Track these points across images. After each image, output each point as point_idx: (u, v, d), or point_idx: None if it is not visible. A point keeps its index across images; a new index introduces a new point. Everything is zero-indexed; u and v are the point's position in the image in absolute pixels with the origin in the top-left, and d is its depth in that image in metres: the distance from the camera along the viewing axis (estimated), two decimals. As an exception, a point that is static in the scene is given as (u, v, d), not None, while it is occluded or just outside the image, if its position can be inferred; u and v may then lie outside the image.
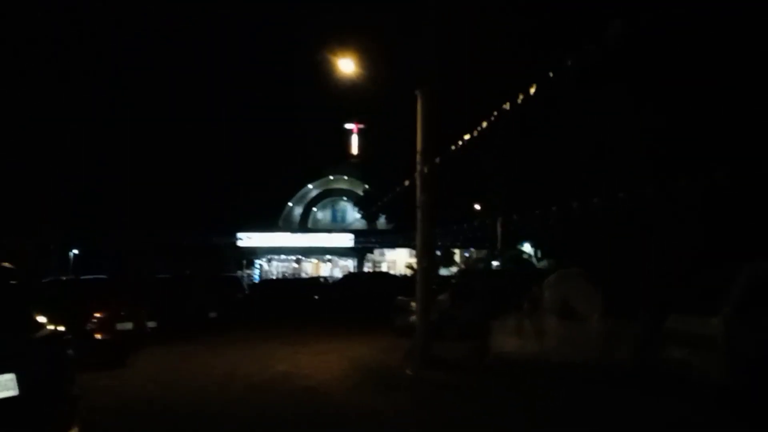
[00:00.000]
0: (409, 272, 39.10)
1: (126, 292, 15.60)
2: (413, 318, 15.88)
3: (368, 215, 48.17)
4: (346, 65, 12.82)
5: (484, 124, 10.95)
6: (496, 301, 15.26)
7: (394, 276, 34.83)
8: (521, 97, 9.47)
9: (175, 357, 13.89)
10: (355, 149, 57.20)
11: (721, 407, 8.38)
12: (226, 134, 48.46)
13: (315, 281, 35.75)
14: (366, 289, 27.09)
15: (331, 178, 57.02)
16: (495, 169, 17.20)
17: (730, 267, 9.70)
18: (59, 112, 38.96)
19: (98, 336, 12.00)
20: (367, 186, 47.79)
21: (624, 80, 14.94)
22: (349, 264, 54.20)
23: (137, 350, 13.26)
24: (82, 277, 17.69)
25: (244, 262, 51.33)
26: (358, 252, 52.61)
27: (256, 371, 11.94)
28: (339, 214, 58.42)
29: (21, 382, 4.65)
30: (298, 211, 57.53)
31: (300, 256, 54.18)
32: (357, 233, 51.44)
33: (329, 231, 53.82)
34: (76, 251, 44.13)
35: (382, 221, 49.20)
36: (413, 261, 45.52)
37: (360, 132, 57.22)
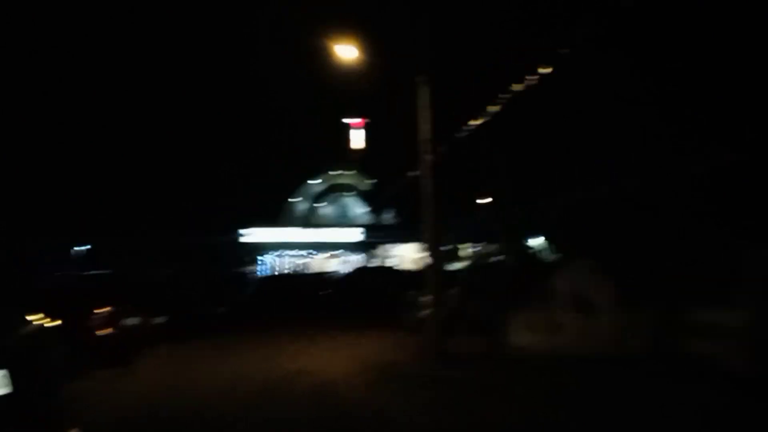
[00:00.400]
0: (416, 267, 38.89)
1: (131, 288, 15.38)
2: (423, 313, 15.68)
3: (373, 210, 47.99)
4: (347, 52, 12.50)
5: (490, 110, 10.70)
6: (507, 295, 15.04)
7: (402, 271, 34.49)
8: (526, 80, 9.19)
9: (182, 354, 13.67)
10: (359, 144, 57.04)
11: (747, 396, 8.12)
12: (230, 129, 48.19)
13: (322, 276, 35.46)
14: (374, 284, 26.78)
15: (335, 173, 56.73)
16: (499, 157, 16.91)
17: (750, 254, 9.44)
18: (63, 108, 38.92)
19: (101, 333, 11.73)
20: (372, 181, 47.54)
21: (635, 57, 14.58)
22: (355, 259, 53.91)
23: (143, 347, 13.05)
24: (86, 273, 17.47)
25: (250, 258, 51.08)
26: (365, 247, 52.31)
27: (264, 370, 11.68)
28: (343, 209, 58.10)
29: (15, 379, 4.41)
30: (303, 207, 57.24)
31: (306, 252, 53.90)
32: (362, 228, 51.13)
33: (334, 226, 53.52)
34: (82, 248, 43.91)
35: (387, 216, 48.97)
36: (420, 256, 45.55)
37: (364, 127, 57.09)
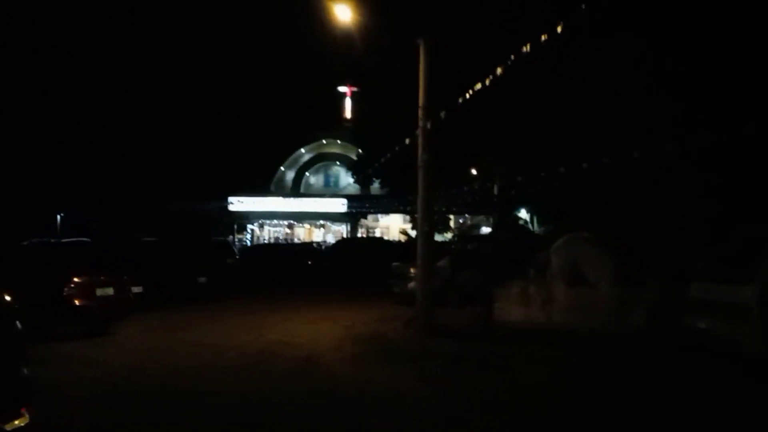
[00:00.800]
0: (403, 238, 38.40)
1: (108, 256, 14.76)
2: (412, 285, 15.20)
3: (362, 180, 47.30)
4: (343, 12, 11.76)
5: (489, 78, 10.10)
6: (498, 267, 14.62)
7: (389, 241, 34.06)
8: (528, 46, 8.61)
9: (161, 325, 13.12)
10: (348, 113, 56.20)
11: (757, 379, 7.73)
12: (217, 97, 47.11)
13: (308, 246, 34.97)
14: (360, 255, 26.34)
15: (324, 142, 55.93)
16: (497, 126, 16.30)
17: (754, 230, 9.00)
18: (46, 78, 37.93)
19: (77, 302, 11.14)
20: (360, 150, 46.80)
21: (639, 27, 13.99)
22: (342, 229, 53.46)
23: (121, 317, 12.47)
24: (63, 240, 16.77)
25: (236, 227, 50.45)
26: (352, 217, 51.77)
27: (245, 341, 11.17)
28: (332, 179, 57.44)
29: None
30: (291, 175, 56.49)
31: (292, 221, 53.34)
32: (350, 198, 50.58)
33: (322, 196, 52.89)
34: (62, 215, 43.15)
35: (375, 186, 48.37)
36: (407, 227, 45.14)
37: (353, 95, 56.19)
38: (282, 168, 55.96)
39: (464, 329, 12.10)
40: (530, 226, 39.18)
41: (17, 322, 4.70)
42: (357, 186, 51.00)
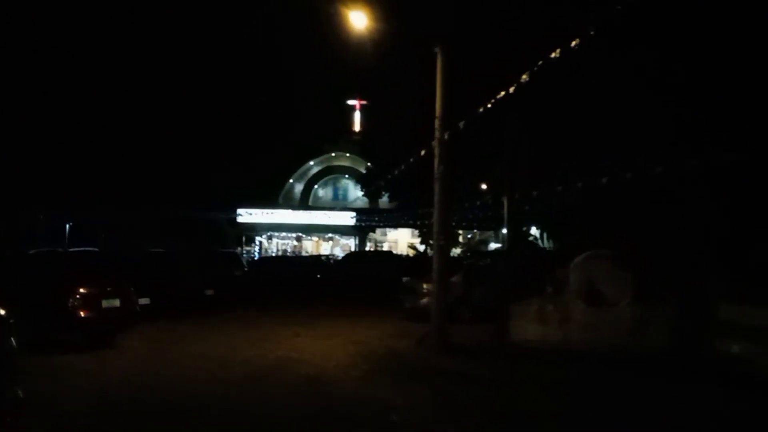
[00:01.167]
0: (411, 252, 38.08)
1: (115, 267, 14.48)
2: (424, 300, 14.89)
3: (370, 193, 47.10)
4: (358, 20, 11.47)
5: (504, 91, 9.82)
6: (513, 283, 14.28)
7: (398, 255, 33.74)
8: (542, 60, 8.34)
9: (167, 337, 12.80)
10: (357, 126, 56.06)
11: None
12: (227, 108, 47.06)
13: (316, 259, 34.66)
14: (369, 269, 26.04)
15: (333, 155, 55.80)
16: (510, 139, 15.88)
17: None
18: (49, 85, 37.92)
19: (81, 314, 10.84)
20: (369, 164, 46.62)
21: (655, 43, 13.70)
22: (351, 243, 53.17)
23: (126, 330, 12.18)
24: (70, 249, 16.52)
25: (244, 238, 50.20)
26: (360, 231, 51.50)
27: (252, 356, 10.81)
28: (340, 192, 57.21)
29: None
30: (299, 188, 56.33)
31: (300, 234, 53.09)
32: (359, 211, 50.33)
33: (331, 209, 52.65)
34: (71, 224, 42.97)
35: (384, 200, 48.11)
36: (415, 241, 44.83)
37: (362, 108, 56.09)
38: (291, 180, 55.82)
39: (479, 347, 11.75)
40: (540, 242, 38.83)
41: (11, 339, 4.39)
42: (366, 199, 50.79)
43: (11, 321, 4.53)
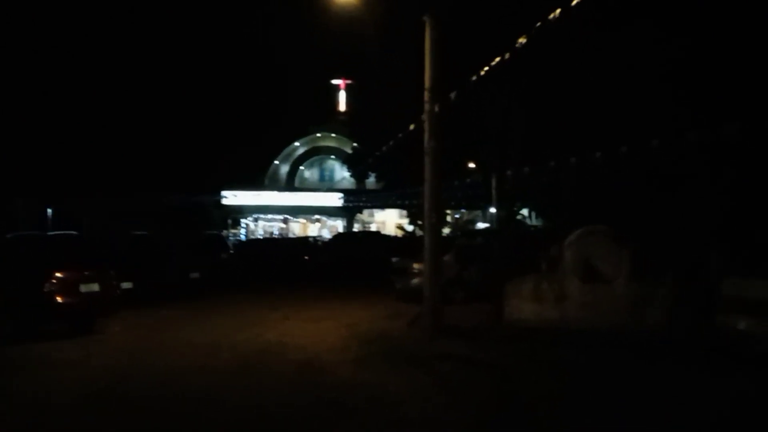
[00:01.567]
0: (399, 233, 37.69)
1: (95, 250, 13.97)
2: (415, 281, 14.52)
3: (357, 174, 46.60)
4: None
5: (495, 61, 9.37)
6: (506, 262, 13.97)
7: (387, 236, 33.33)
8: (537, 27, 7.92)
9: (150, 323, 12.39)
10: (343, 106, 55.38)
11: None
12: (210, 90, 46.25)
13: (304, 241, 34.18)
14: (358, 250, 25.61)
15: (319, 135, 55.12)
16: (500, 115, 15.51)
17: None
18: (39, 71, 37.09)
19: (59, 299, 10.36)
20: (355, 144, 46.06)
21: (655, 16, 13.28)
22: (338, 224, 52.73)
23: (107, 315, 11.73)
24: (49, 233, 15.97)
25: (230, 221, 49.62)
26: (347, 212, 51.05)
27: (241, 342, 10.41)
28: (327, 173, 56.65)
29: None
30: (285, 169, 55.66)
31: (287, 216, 52.56)
32: (346, 192, 49.86)
33: (317, 190, 52.10)
34: (53, 208, 42.18)
35: (371, 180, 47.65)
36: (403, 222, 44.43)
37: (348, 88, 55.38)
38: (276, 162, 55.12)
39: (473, 328, 11.41)
40: (528, 221, 38.54)
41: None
42: (352, 180, 50.27)
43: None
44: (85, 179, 39.50)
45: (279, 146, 54.26)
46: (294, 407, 6.75)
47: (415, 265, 14.79)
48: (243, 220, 50.88)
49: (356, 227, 52.17)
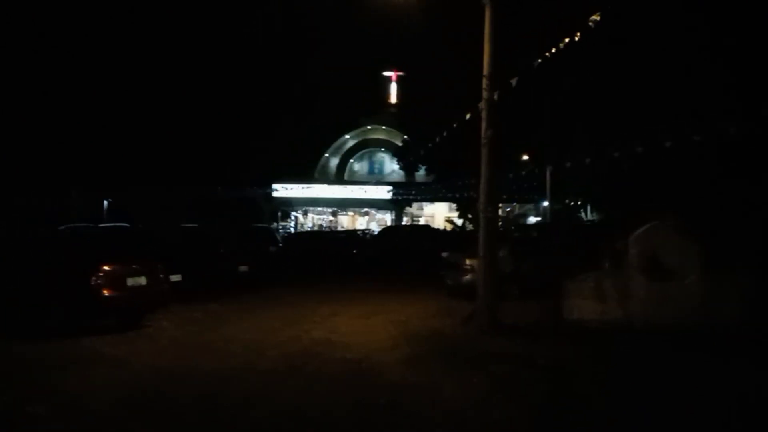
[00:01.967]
0: (448, 227, 37.06)
1: (144, 243, 13.85)
2: (467, 277, 13.98)
3: (406, 167, 46.09)
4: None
5: (552, 49, 8.75)
6: (565, 257, 13.30)
7: (436, 229, 32.75)
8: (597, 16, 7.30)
9: (199, 318, 12.16)
10: (393, 98, 54.84)
11: None
12: (262, 82, 46.31)
13: (353, 234, 33.88)
14: (407, 244, 25.11)
15: (369, 128, 54.82)
16: (562, 99, 14.75)
17: None
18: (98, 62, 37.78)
19: (105, 293, 10.18)
20: (405, 136, 45.52)
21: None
22: (387, 217, 52.37)
23: (155, 309, 11.56)
24: (100, 225, 15.98)
25: (279, 213, 49.76)
26: (396, 205, 50.62)
27: (288, 340, 10.04)
28: (376, 166, 56.33)
29: None
30: (335, 162, 55.57)
31: (336, 209, 52.45)
32: (395, 185, 49.41)
33: (366, 183, 51.78)
34: (109, 200, 42.94)
35: (420, 173, 47.07)
36: (453, 215, 43.75)
37: (399, 80, 54.80)
38: (326, 154, 55.07)
39: (531, 326, 10.83)
40: (583, 214, 37.43)
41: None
42: (402, 173, 49.80)
43: None
44: (138, 171, 40.08)
45: (329, 139, 54.18)
46: (343, 411, 6.33)
47: (467, 261, 14.23)
48: (292, 213, 50.96)
49: (405, 220, 51.71)
